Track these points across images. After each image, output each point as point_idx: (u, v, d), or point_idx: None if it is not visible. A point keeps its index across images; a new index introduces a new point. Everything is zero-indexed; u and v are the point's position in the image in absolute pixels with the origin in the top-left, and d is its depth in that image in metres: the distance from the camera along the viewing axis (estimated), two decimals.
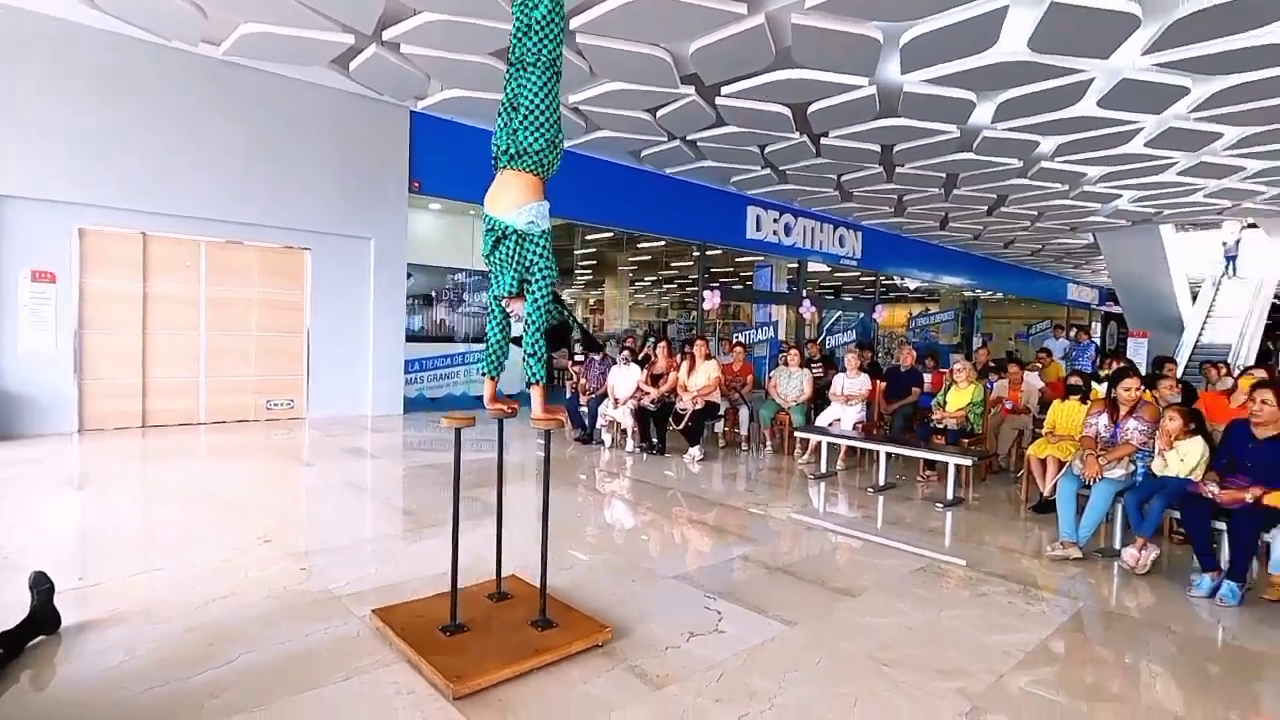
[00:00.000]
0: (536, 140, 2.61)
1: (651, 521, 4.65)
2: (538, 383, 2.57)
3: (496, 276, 2.67)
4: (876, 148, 9.51)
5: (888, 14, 5.77)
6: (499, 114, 2.73)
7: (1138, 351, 15.45)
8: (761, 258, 14.95)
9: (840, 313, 17.83)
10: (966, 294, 23.22)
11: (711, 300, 12.09)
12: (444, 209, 9.93)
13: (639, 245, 15.43)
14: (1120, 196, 12.04)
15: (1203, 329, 17.56)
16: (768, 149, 9.88)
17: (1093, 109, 7.69)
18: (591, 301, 20.01)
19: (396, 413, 8.89)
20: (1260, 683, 2.66)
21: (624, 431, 6.97)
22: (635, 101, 8.08)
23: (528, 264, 2.58)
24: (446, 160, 9.15)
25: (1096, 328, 25.76)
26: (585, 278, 18.38)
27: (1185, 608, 3.30)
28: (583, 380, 7.54)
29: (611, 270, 17.35)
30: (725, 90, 7.61)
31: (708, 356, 6.76)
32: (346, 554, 3.61)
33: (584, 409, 7.31)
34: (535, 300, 2.53)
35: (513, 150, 2.63)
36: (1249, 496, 3.29)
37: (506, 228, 2.61)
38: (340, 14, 6.18)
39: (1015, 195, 12.17)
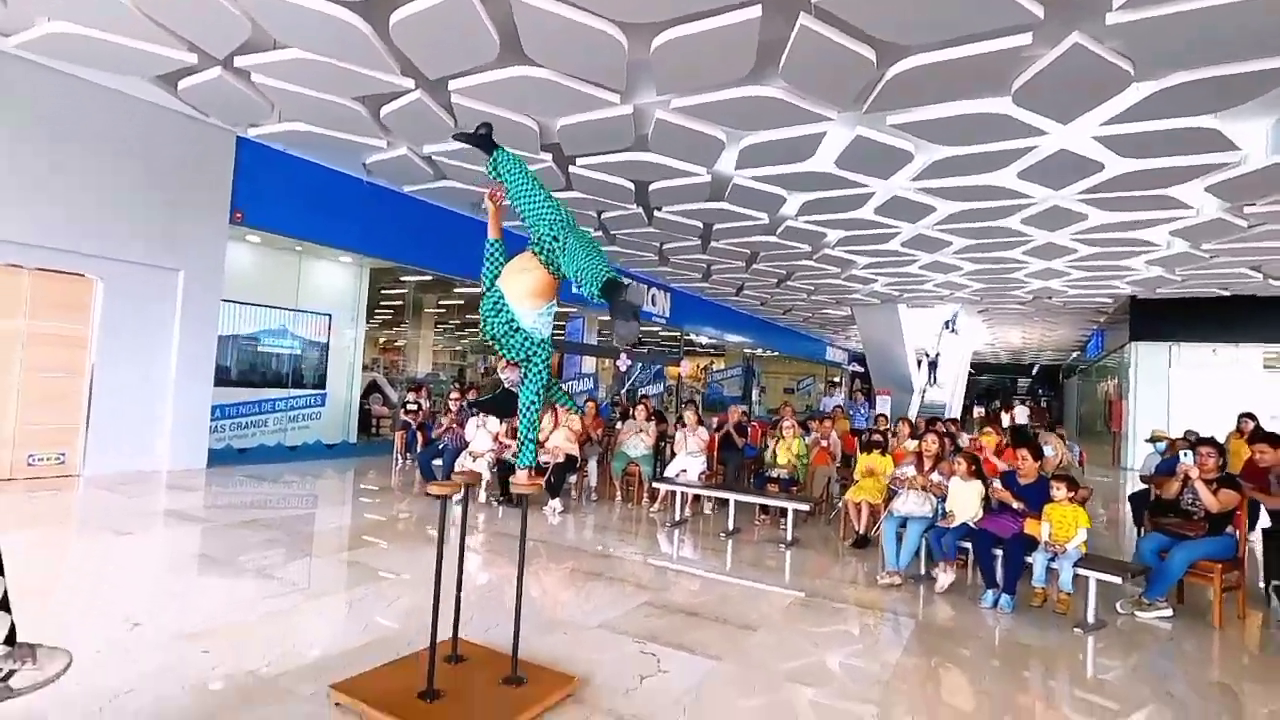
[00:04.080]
0: (536, 226, 2.85)
1: (547, 575, 4.81)
2: (527, 467, 2.80)
3: (498, 339, 2.83)
4: (700, 224, 10.71)
5: (736, 124, 6.77)
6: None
7: (883, 407, 18.64)
8: (575, 310, 15.62)
9: (641, 366, 19.08)
10: (746, 351, 26.15)
11: None
12: (265, 243, 9.15)
13: (455, 289, 15.33)
14: (877, 281, 14.72)
15: (925, 391, 21.78)
16: (604, 214, 10.60)
17: (870, 214, 9.53)
18: (381, 342, 19.13)
19: (199, 467, 7.85)
20: (1029, 670, 3.63)
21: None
22: None
23: (525, 354, 2.80)
24: (275, 192, 8.51)
25: (845, 381, 30.43)
26: (384, 317, 17.60)
27: (979, 617, 4.32)
28: (451, 428, 7.40)
29: (417, 312, 16.89)
30: (580, 161, 8.18)
31: (569, 411, 7.08)
32: (244, 632, 3.32)
33: (438, 463, 7.17)
34: (531, 389, 2.76)
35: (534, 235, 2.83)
36: (1016, 505, 4.51)
37: (505, 308, 2.81)
38: (193, 33, 5.69)
39: (800, 273, 14.30)
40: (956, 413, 20.77)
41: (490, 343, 2.96)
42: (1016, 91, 5.66)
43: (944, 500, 4.91)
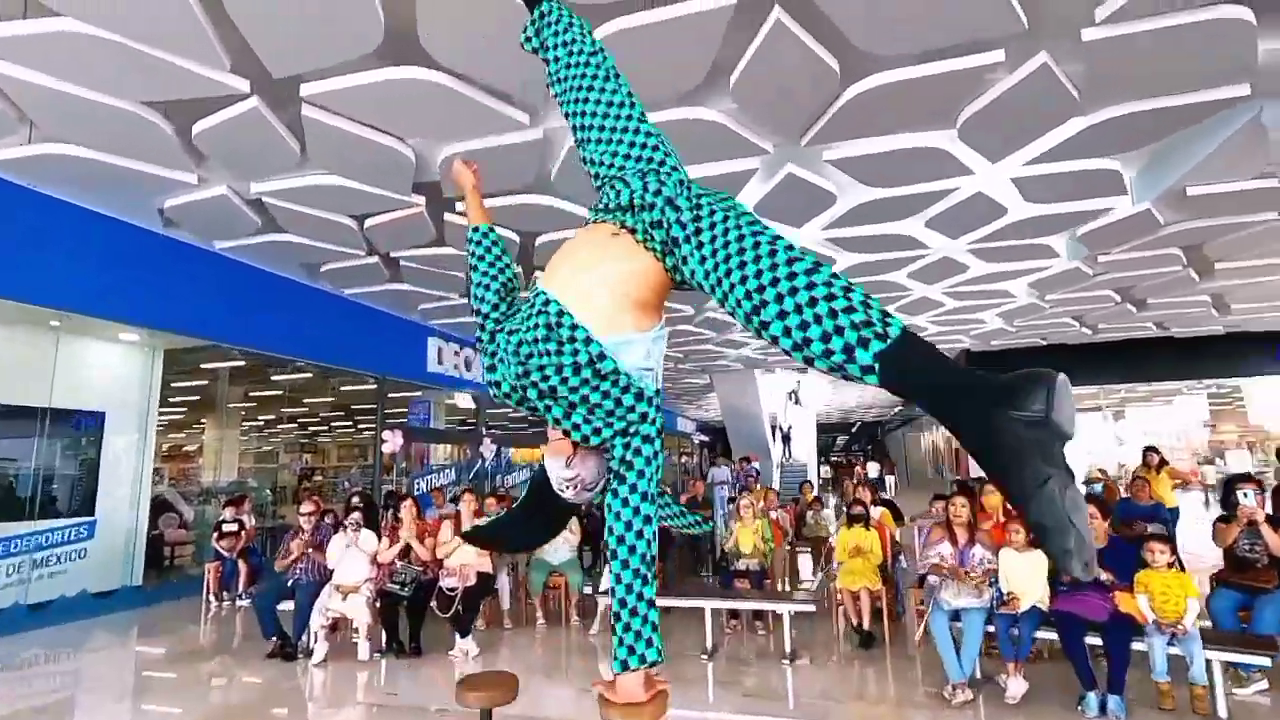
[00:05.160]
0: (617, 171, 1.52)
1: None
2: (643, 668, 1.35)
3: (556, 395, 1.40)
4: None
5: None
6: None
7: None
8: (420, 394, 13.54)
9: (496, 450, 17.14)
10: None
11: (393, 441, 10.32)
12: (2, 316, 6.52)
13: (272, 378, 12.84)
14: (748, 345, 14.48)
15: (782, 464, 22.18)
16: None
17: None
18: (166, 448, 15.32)
19: None
20: None
21: (327, 631, 4.87)
22: (348, 204, 6.64)
23: (625, 422, 1.40)
24: (18, 244, 6.09)
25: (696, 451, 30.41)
26: (174, 416, 14.15)
27: None
28: (304, 555, 5.23)
29: (216, 407, 13.76)
30: (460, 206, 6.79)
31: (478, 514, 5.37)
32: None
33: (285, 607, 5.04)
34: (641, 492, 1.36)
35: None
36: (1105, 577, 3.66)
37: (579, 332, 1.39)
38: None
39: (674, 339, 13.64)
40: (814, 473, 21.16)
41: (523, 408, 1.50)
42: (964, 123, 5.34)
43: (995, 580, 4.01)
